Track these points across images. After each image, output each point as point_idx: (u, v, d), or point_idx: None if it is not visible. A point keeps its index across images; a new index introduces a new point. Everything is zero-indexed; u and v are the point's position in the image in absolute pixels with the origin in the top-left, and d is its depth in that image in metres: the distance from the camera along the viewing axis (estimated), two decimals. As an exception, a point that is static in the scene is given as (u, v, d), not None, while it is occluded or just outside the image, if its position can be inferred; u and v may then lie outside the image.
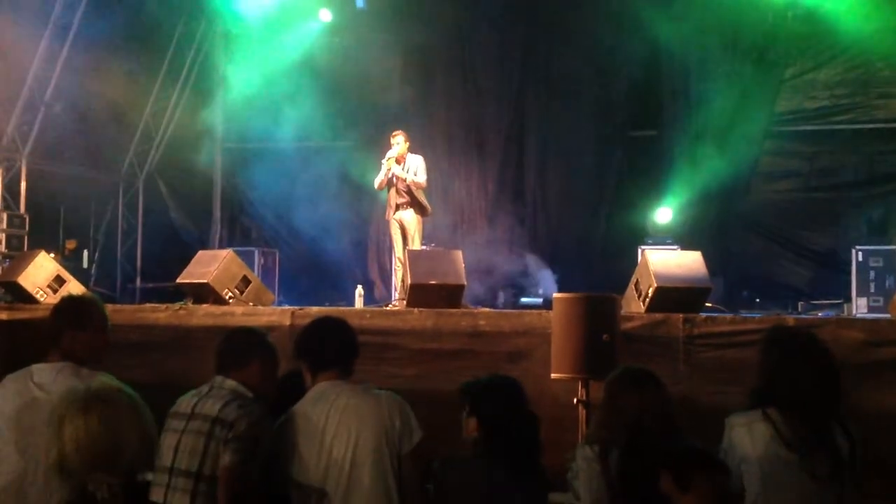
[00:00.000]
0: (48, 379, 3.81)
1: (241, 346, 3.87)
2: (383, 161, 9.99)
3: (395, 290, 10.20)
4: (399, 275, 9.79)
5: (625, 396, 3.47)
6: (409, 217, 10.01)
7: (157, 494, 3.54)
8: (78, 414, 2.38)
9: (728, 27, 12.31)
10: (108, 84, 12.56)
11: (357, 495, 3.55)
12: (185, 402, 3.72)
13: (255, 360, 3.82)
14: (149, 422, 2.46)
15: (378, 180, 10.06)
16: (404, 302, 7.95)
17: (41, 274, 8.33)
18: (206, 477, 3.50)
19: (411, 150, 10.13)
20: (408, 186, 9.95)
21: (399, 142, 10.04)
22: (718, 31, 12.29)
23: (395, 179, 9.98)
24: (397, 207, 10.03)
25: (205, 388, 3.75)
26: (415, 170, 10.00)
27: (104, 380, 2.54)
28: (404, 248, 9.85)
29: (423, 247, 10.00)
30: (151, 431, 2.47)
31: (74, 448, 2.36)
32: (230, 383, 3.73)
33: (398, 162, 9.97)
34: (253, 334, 3.97)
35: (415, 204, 9.99)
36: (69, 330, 4.02)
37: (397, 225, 10.06)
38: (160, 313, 7.54)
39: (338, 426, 3.60)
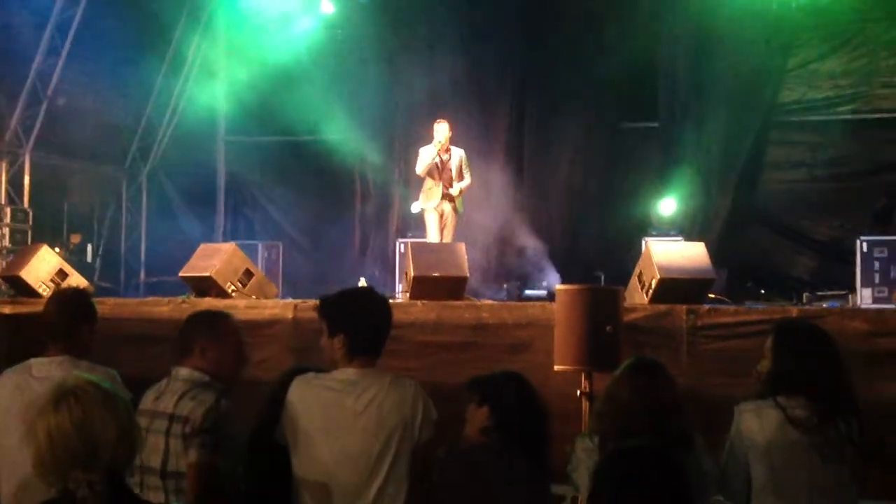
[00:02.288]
0: (48, 373, 3.80)
1: (185, 332, 3.76)
2: (432, 146, 9.88)
3: None
4: None
5: (628, 387, 3.46)
6: (450, 211, 10.00)
7: (135, 491, 3.53)
8: (49, 411, 2.34)
9: (731, 16, 12.25)
10: (111, 78, 12.57)
11: (372, 489, 3.47)
12: (148, 399, 3.63)
13: (197, 345, 3.68)
14: (127, 416, 2.41)
15: (425, 166, 9.92)
16: (407, 294, 7.96)
17: (44, 268, 8.35)
18: (170, 474, 3.47)
19: (452, 141, 10.05)
20: (451, 179, 9.92)
21: (445, 129, 9.91)
22: (722, 20, 12.24)
23: (440, 167, 9.91)
24: (442, 198, 9.96)
25: (164, 383, 3.67)
26: (459, 166, 9.97)
27: (81, 374, 2.50)
28: (440, 240, 9.84)
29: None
30: (131, 426, 2.42)
31: (49, 446, 2.32)
32: (184, 372, 3.64)
33: (447, 152, 9.92)
34: (197, 318, 3.84)
35: (457, 201, 10.00)
36: (84, 323, 4.04)
37: (437, 215, 9.98)
38: (163, 307, 7.57)
39: (362, 419, 3.47)
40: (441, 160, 9.94)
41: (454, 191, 9.98)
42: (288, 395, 3.58)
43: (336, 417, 3.49)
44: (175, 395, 3.57)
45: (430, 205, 10.03)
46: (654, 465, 2.39)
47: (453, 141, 10.12)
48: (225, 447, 3.51)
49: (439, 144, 9.84)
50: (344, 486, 3.47)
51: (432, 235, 10.01)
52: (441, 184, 9.97)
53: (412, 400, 3.53)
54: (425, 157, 9.94)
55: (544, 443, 3.56)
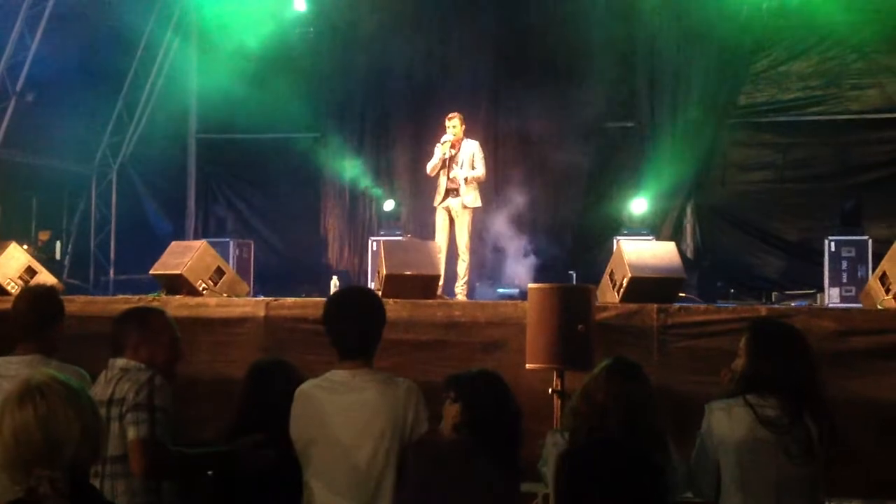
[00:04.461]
0: (17, 372, 3.75)
1: (117, 329, 3.78)
2: (438, 145, 9.68)
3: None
4: (443, 265, 9.31)
5: (603, 389, 3.48)
6: (458, 207, 9.67)
7: None
8: (14, 407, 2.33)
9: (703, 18, 12.34)
10: (81, 74, 12.46)
11: (369, 486, 3.52)
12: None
13: (129, 342, 3.71)
14: (92, 413, 2.38)
15: (431, 165, 9.71)
16: (380, 292, 7.94)
17: (12, 265, 8.24)
18: (108, 458, 3.46)
19: (466, 134, 9.84)
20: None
21: (455, 125, 9.70)
22: (693, 22, 12.32)
23: (448, 165, 9.66)
24: (447, 194, 9.70)
25: (102, 376, 3.69)
26: (471, 159, 9.69)
27: (48, 371, 2.49)
28: (451, 237, 9.68)
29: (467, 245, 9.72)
30: (96, 423, 2.41)
31: (13, 442, 2.31)
32: (120, 362, 3.68)
33: (453, 147, 9.67)
34: (128, 315, 3.85)
35: (465, 194, 9.66)
36: (55, 321, 4.01)
37: (444, 213, 9.73)
38: (133, 305, 7.49)
39: (357, 420, 3.52)
40: (450, 156, 9.69)
41: (459, 175, 9.63)
42: (292, 408, 3.62)
43: (328, 417, 3.54)
44: (111, 382, 3.60)
45: (436, 202, 9.81)
46: (620, 458, 2.40)
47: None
48: (159, 419, 3.51)
49: (445, 144, 9.61)
50: (341, 484, 3.52)
51: (437, 235, 9.78)
52: (446, 180, 9.71)
53: (405, 398, 3.57)
54: (435, 155, 9.73)
55: (516, 442, 3.57)
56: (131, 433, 3.47)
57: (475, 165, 9.73)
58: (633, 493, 2.29)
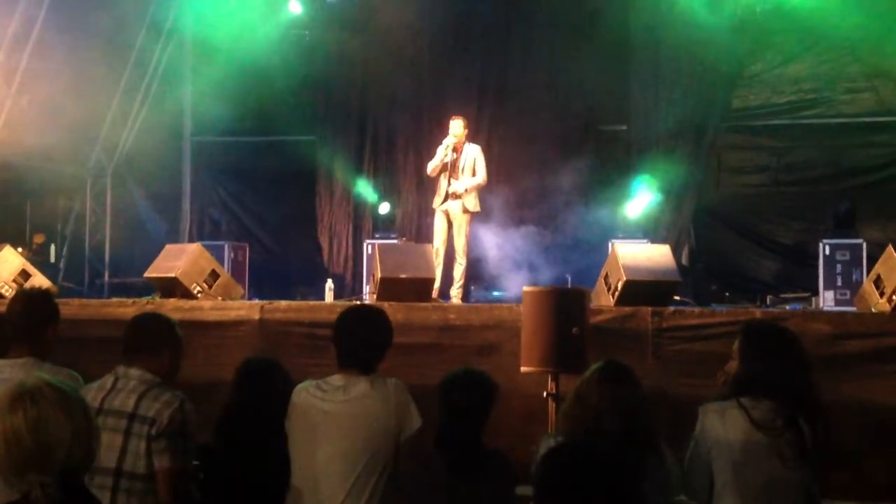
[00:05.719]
0: (11, 375, 3.75)
1: (153, 331, 3.75)
2: (440, 148, 9.66)
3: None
4: (441, 268, 9.45)
5: (596, 391, 3.48)
6: (457, 210, 9.64)
7: None
8: (6, 412, 2.34)
9: (697, 22, 12.34)
10: (75, 77, 12.43)
11: (359, 489, 3.58)
12: (89, 397, 3.51)
13: (166, 347, 3.72)
14: (84, 417, 2.37)
15: (432, 166, 9.70)
16: (374, 296, 7.95)
17: (6, 268, 8.26)
18: (126, 473, 3.45)
19: (468, 138, 9.83)
20: (459, 178, 9.64)
21: (458, 125, 9.67)
22: (687, 24, 12.32)
23: (449, 166, 9.63)
24: (446, 197, 9.67)
25: (108, 381, 3.64)
26: (472, 164, 9.67)
27: (41, 375, 2.48)
28: (448, 241, 9.67)
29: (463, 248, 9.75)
30: (88, 427, 2.40)
31: (4, 447, 2.31)
32: (135, 372, 3.62)
33: (455, 150, 9.62)
34: (164, 320, 3.84)
35: (466, 198, 9.64)
36: (48, 324, 4.00)
37: (443, 216, 9.72)
38: (127, 308, 7.48)
39: (344, 418, 3.63)
40: (452, 160, 9.65)
41: (458, 188, 9.61)
42: (289, 408, 3.75)
43: (321, 417, 3.65)
44: (133, 393, 3.55)
45: (435, 204, 9.81)
46: (595, 460, 2.40)
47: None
48: (190, 448, 3.55)
49: (448, 147, 9.58)
50: (327, 480, 3.59)
51: (435, 237, 9.79)
52: (446, 182, 9.68)
53: (393, 395, 3.69)
54: (437, 156, 9.71)
55: (477, 436, 3.60)
56: (165, 461, 3.45)
57: (476, 171, 9.73)
58: (606, 495, 2.30)
